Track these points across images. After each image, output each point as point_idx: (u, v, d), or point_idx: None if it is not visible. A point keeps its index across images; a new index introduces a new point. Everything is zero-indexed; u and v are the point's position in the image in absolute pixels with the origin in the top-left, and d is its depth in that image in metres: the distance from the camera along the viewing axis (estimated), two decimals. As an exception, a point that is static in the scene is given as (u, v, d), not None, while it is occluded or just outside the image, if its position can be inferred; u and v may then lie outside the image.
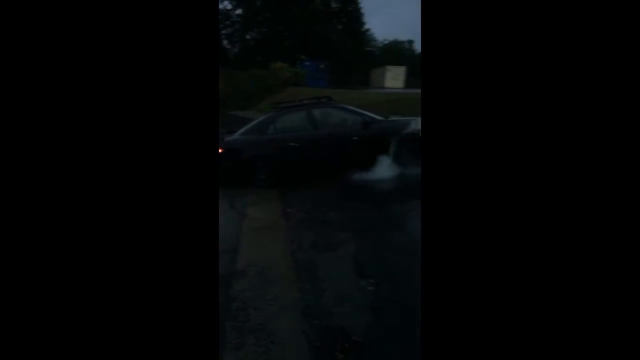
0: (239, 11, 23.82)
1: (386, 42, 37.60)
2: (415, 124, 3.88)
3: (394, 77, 20.59)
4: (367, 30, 28.72)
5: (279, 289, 1.93)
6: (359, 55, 25.96)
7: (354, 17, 22.76)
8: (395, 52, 35.85)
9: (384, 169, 3.82)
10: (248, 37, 24.34)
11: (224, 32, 23.07)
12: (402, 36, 39.59)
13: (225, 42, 23.85)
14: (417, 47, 38.35)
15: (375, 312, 1.66)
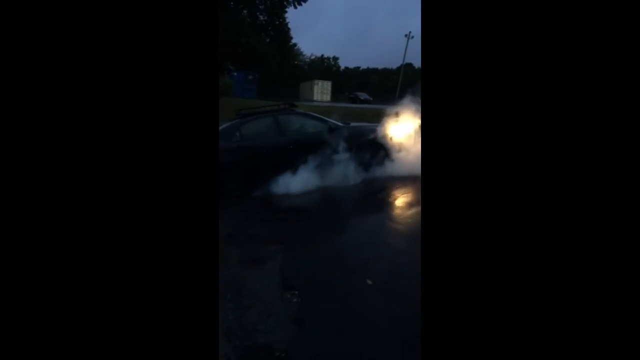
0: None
1: (313, 57, 39.24)
2: (380, 130, 4.08)
3: (322, 91, 21.50)
4: (295, 44, 29.53)
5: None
6: (287, 68, 26.43)
7: (282, 31, 23.21)
8: (322, 67, 37.59)
9: (347, 175, 3.94)
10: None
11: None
12: (328, 52, 41.82)
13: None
14: (342, 63, 40.93)
15: (298, 324, 1.68)
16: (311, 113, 4.44)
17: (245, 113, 4.20)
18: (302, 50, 35.18)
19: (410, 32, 22.00)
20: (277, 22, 22.72)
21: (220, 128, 4.04)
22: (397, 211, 3.23)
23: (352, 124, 4.51)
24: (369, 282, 1.98)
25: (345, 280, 2.04)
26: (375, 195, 3.63)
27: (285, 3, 21.24)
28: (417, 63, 28.59)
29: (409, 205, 3.27)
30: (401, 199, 3.48)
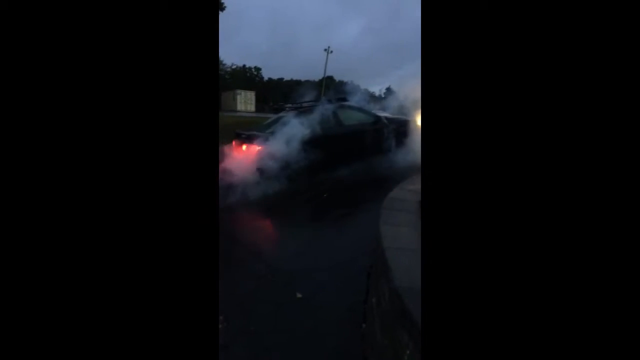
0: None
1: (234, 67, 38.26)
2: (412, 120, 4.87)
3: (246, 101, 21.08)
4: (214, 53, 28.27)
5: None
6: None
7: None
8: (244, 77, 36.94)
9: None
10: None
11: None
12: (250, 63, 41.33)
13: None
14: (265, 74, 40.85)
15: (223, 350, 1.55)
16: (355, 105, 5.06)
17: (292, 107, 4.83)
18: (222, 59, 34.08)
19: (329, 46, 23.26)
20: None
21: (276, 123, 4.54)
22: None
23: (382, 114, 5.08)
24: (299, 295, 1.95)
25: (275, 296, 1.98)
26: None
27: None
28: (338, 76, 30.35)
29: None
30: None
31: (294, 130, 4.15)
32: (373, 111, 5.07)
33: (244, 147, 4.20)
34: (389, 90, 5.55)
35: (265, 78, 40.82)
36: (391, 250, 1.38)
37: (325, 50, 23.04)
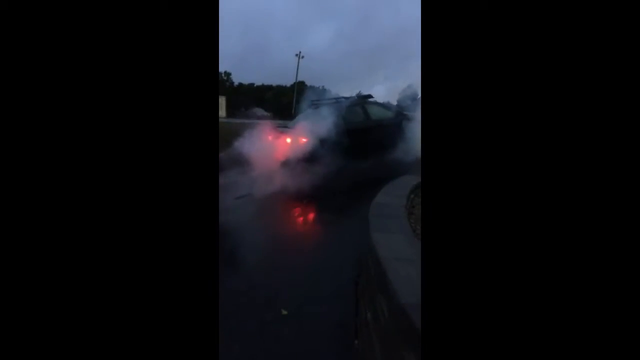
0: None
1: (204, 71, 37.15)
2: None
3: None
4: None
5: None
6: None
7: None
8: (214, 82, 36.02)
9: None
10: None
11: None
12: (220, 67, 40.42)
13: None
14: (235, 78, 40.14)
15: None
16: (378, 101, 5.62)
17: (318, 103, 5.45)
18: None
19: (300, 52, 23.32)
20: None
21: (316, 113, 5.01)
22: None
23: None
24: (284, 312, 1.80)
25: (258, 314, 1.81)
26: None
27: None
28: (309, 81, 30.44)
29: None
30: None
31: (332, 122, 4.67)
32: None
33: (288, 139, 4.62)
34: (359, 95, 6.18)
35: (236, 83, 40.09)
36: (389, 261, 1.28)
37: (297, 55, 23.09)
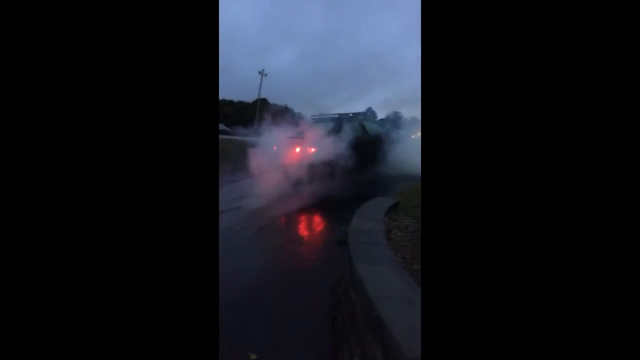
0: None
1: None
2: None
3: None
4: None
5: None
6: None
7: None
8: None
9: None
10: None
11: None
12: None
13: None
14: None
15: None
16: (370, 118, 6.21)
17: (316, 119, 5.69)
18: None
19: (263, 69, 23.32)
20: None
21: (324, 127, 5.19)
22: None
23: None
24: (253, 357, 1.57)
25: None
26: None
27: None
28: (272, 99, 30.38)
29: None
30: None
31: (337, 135, 4.96)
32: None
33: (297, 149, 4.76)
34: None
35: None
36: (381, 301, 1.14)
37: (260, 72, 23.04)
